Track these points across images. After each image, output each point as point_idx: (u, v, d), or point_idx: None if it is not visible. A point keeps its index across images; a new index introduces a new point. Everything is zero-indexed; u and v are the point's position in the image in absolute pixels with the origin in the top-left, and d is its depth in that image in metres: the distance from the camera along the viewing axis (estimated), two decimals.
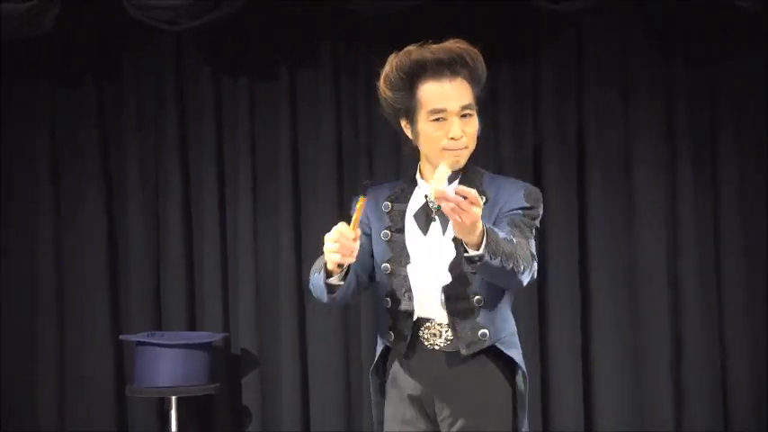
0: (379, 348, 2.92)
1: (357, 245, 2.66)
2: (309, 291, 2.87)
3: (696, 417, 4.29)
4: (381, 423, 2.97)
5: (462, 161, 2.85)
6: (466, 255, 2.59)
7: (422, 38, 4.01)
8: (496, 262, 2.56)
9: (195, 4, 3.95)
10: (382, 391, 2.96)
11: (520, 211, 2.81)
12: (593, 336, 4.30)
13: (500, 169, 4.25)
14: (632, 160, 4.33)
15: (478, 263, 2.57)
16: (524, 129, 4.33)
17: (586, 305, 4.31)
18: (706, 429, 4.27)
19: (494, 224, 2.75)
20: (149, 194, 4.47)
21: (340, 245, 2.61)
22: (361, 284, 2.90)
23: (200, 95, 4.43)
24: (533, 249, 2.77)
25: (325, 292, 2.73)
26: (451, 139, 2.80)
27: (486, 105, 4.20)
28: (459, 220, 2.47)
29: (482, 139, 4.22)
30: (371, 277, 2.91)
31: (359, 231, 2.66)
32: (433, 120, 2.80)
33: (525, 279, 2.71)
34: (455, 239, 2.72)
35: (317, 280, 2.77)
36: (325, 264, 2.70)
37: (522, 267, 2.64)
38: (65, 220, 4.48)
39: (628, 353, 4.30)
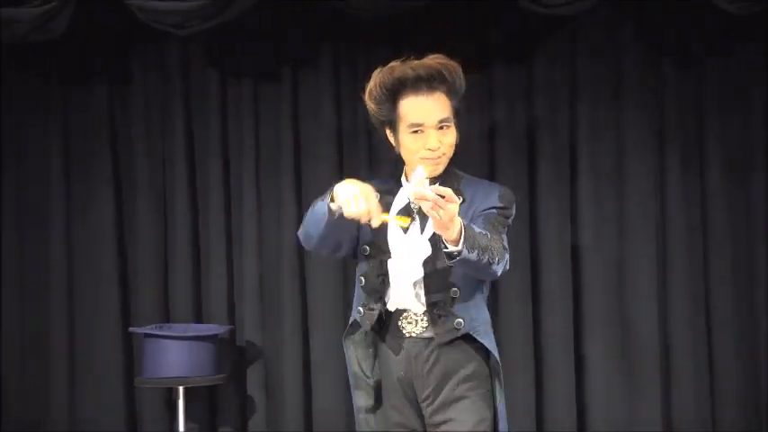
0: (352, 319, 3.08)
1: (373, 213, 2.78)
2: (302, 226, 2.99)
3: (685, 412, 4.29)
4: (355, 382, 3.12)
5: (440, 168, 2.99)
6: (446, 250, 2.73)
7: (419, 39, 4.14)
8: (473, 255, 2.72)
9: (201, 9, 3.96)
10: (370, 360, 3.10)
11: (494, 210, 2.95)
12: (585, 331, 4.31)
13: (494, 168, 4.31)
14: (623, 159, 4.34)
15: (458, 257, 2.71)
16: (518, 128, 4.34)
17: (578, 302, 4.32)
18: (696, 428, 4.29)
19: (469, 222, 2.87)
20: (157, 193, 4.50)
21: (357, 211, 2.73)
22: (351, 250, 3.06)
23: (206, 96, 4.46)
24: (505, 243, 2.92)
25: (325, 217, 2.84)
26: (429, 149, 2.94)
27: (482, 105, 4.30)
28: (437, 216, 2.62)
29: (477, 138, 4.38)
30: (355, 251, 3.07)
31: (377, 222, 2.80)
32: (413, 132, 2.95)
33: (499, 270, 2.86)
34: (433, 236, 2.87)
35: (320, 207, 2.88)
36: (332, 197, 2.81)
37: (496, 259, 2.80)
38: (76, 217, 4.52)
39: (618, 350, 4.31)
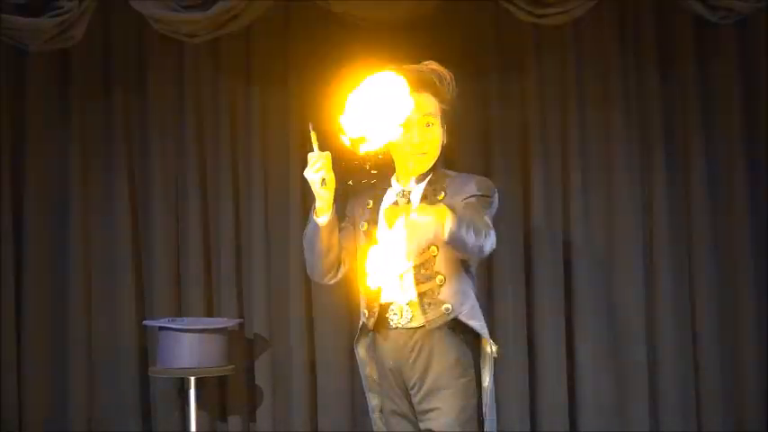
0: (361, 323, 3.18)
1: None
2: (306, 263, 3.14)
3: (671, 410, 4.33)
4: (368, 385, 3.22)
5: (426, 165, 3.11)
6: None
7: (419, 45, 4.21)
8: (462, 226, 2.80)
9: (212, 20, 4.01)
10: (370, 363, 3.21)
11: (473, 198, 3.05)
12: (576, 326, 4.36)
13: (490, 168, 4.35)
14: (612, 159, 4.39)
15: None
16: (512, 131, 4.39)
17: (569, 297, 4.37)
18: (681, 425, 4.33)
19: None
20: (170, 192, 4.55)
21: (322, 165, 2.96)
22: (351, 267, 3.19)
23: (216, 101, 4.53)
24: (488, 221, 3.00)
25: (316, 229, 3.04)
26: (413, 144, 3.06)
27: (478, 110, 4.30)
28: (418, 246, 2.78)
29: (474, 141, 4.30)
30: None
31: (325, 152, 2.99)
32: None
33: (486, 245, 2.94)
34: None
35: (309, 229, 3.08)
36: (314, 210, 3.02)
37: (483, 232, 2.89)
38: (94, 217, 4.56)
39: (606, 343, 4.36)
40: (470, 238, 2.89)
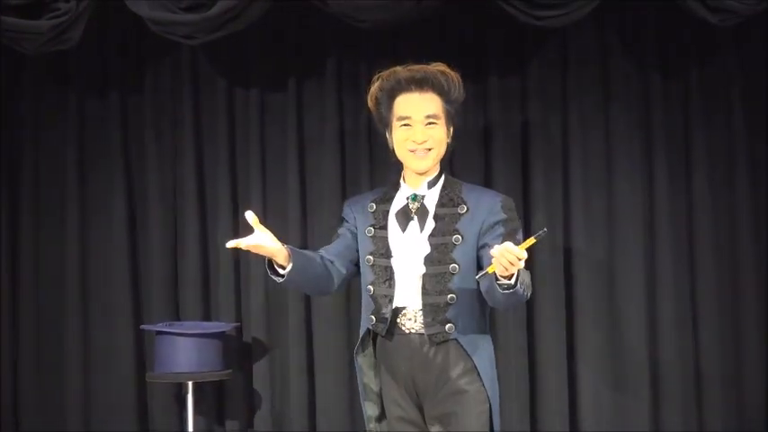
0: (362, 331, 3.16)
1: None
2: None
3: (672, 414, 4.33)
4: (365, 394, 3.20)
5: (427, 163, 3.10)
6: (499, 283, 2.83)
7: (419, 49, 4.24)
8: (521, 290, 2.86)
9: (210, 21, 3.99)
10: (374, 369, 3.19)
11: (501, 228, 3.05)
12: (577, 334, 4.36)
13: (489, 173, 4.37)
14: (612, 162, 4.39)
15: (508, 290, 2.84)
16: (512, 134, 4.38)
17: (570, 304, 4.36)
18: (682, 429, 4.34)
19: (480, 235, 3.03)
20: (168, 194, 4.54)
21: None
22: (350, 273, 3.19)
23: (214, 103, 4.52)
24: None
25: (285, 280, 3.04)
26: (413, 141, 3.07)
27: (478, 112, 4.32)
28: (509, 271, 2.77)
29: (474, 143, 4.32)
30: (358, 268, 3.18)
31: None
32: (402, 125, 3.08)
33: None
34: (432, 236, 3.02)
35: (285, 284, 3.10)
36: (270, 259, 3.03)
37: (529, 292, 2.95)
38: (91, 220, 4.56)
39: (608, 351, 4.35)
40: (524, 298, 2.96)
